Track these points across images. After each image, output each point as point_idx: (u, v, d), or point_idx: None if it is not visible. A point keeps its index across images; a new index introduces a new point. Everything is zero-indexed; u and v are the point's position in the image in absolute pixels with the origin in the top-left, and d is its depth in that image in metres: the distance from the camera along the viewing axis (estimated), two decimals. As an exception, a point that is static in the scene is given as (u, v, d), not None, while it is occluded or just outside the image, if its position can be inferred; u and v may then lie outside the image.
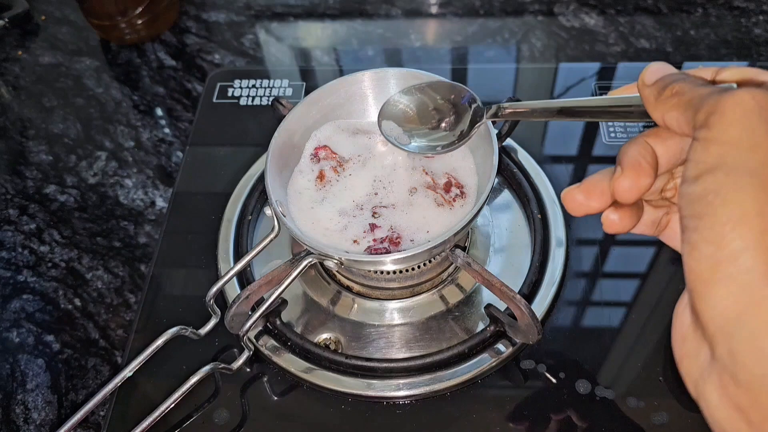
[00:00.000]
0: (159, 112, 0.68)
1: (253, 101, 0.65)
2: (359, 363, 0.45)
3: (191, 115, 0.67)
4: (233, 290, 0.50)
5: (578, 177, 0.56)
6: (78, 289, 0.54)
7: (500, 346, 0.46)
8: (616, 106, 0.31)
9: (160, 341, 0.42)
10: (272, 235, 0.44)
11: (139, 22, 0.72)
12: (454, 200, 0.45)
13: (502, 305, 0.46)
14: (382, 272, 0.48)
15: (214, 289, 0.43)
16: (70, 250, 0.57)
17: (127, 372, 0.42)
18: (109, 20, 0.71)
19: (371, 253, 0.42)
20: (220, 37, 0.75)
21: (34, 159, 0.64)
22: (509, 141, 0.57)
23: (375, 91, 0.49)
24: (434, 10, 0.77)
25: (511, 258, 0.51)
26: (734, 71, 0.28)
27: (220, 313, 0.45)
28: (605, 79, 0.64)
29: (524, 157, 0.56)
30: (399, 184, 0.46)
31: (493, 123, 0.43)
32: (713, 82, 0.28)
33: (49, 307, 0.53)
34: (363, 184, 0.46)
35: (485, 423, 0.43)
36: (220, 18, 0.77)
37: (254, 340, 0.47)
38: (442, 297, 0.49)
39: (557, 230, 0.51)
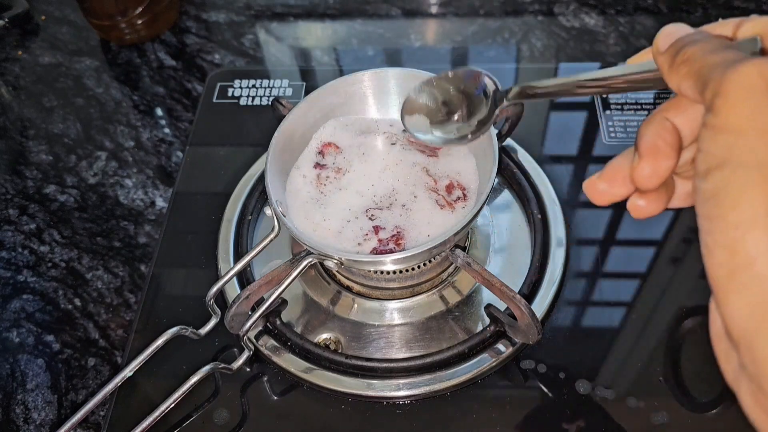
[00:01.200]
0: (159, 112, 0.68)
1: (253, 101, 0.65)
2: (359, 363, 0.45)
3: (191, 115, 0.67)
4: (233, 290, 0.50)
5: (578, 177, 0.56)
6: (78, 289, 0.54)
7: (500, 346, 0.46)
8: (633, 74, 0.28)
9: (160, 341, 0.42)
10: (272, 235, 0.44)
11: (139, 22, 0.72)
12: (456, 202, 0.45)
13: (502, 305, 0.46)
14: (382, 272, 0.48)
15: (214, 289, 0.43)
16: (70, 250, 0.57)
17: (127, 372, 0.42)
18: (109, 20, 0.71)
19: (377, 254, 0.42)
20: (220, 37, 0.75)
21: (34, 159, 0.64)
22: (509, 141, 0.57)
23: (375, 90, 0.49)
24: (434, 10, 0.76)
25: (511, 258, 0.51)
26: (757, 23, 0.25)
27: (220, 313, 0.45)
28: (605, 79, 0.64)
29: (524, 157, 0.56)
30: (401, 185, 0.46)
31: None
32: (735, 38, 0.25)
33: (49, 307, 0.53)
34: (364, 184, 0.46)
35: (485, 423, 0.43)
36: (220, 18, 0.77)
37: (254, 340, 0.47)
38: (442, 297, 0.49)
39: (557, 230, 0.51)
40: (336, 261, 0.41)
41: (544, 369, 0.46)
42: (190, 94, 0.69)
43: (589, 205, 0.55)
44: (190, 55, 0.73)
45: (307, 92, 0.64)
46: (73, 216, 0.59)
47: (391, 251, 0.42)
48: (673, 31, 0.26)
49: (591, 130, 0.60)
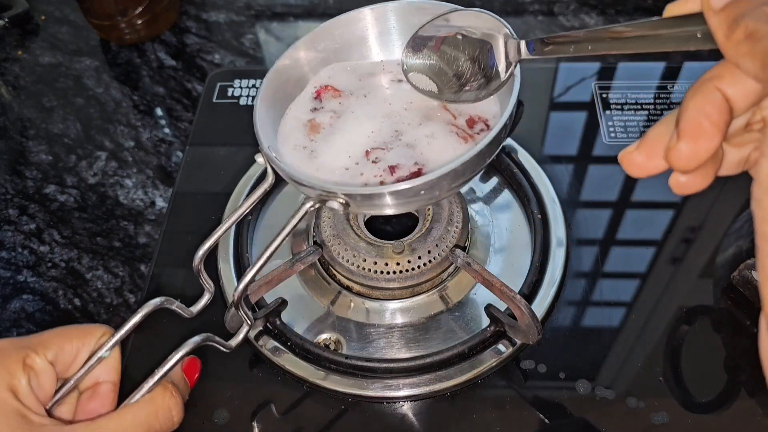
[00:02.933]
0: (159, 112, 0.68)
1: (253, 101, 0.65)
2: (359, 363, 0.45)
3: (191, 115, 0.67)
4: (233, 290, 0.50)
5: (578, 177, 0.56)
6: (78, 289, 0.54)
7: (500, 346, 0.46)
8: (674, 30, 0.23)
9: (137, 317, 0.39)
10: (266, 185, 0.41)
11: (139, 22, 0.72)
12: (479, 134, 0.41)
13: (502, 305, 0.46)
14: (383, 272, 0.48)
15: (201, 251, 0.39)
16: (70, 250, 0.57)
17: (102, 352, 0.39)
18: (109, 20, 0.71)
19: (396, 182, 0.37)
20: (220, 37, 0.75)
21: (34, 159, 0.64)
22: (509, 141, 0.57)
23: (375, 31, 0.46)
24: (434, 10, 0.76)
25: (511, 258, 0.51)
26: None
27: (213, 288, 0.42)
28: (605, 79, 0.64)
29: (524, 157, 0.56)
30: (413, 127, 0.42)
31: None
32: None
33: (49, 307, 0.53)
34: (373, 124, 0.43)
35: (485, 423, 0.43)
36: (220, 18, 0.77)
37: (254, 341, 0.47)
38: (442, 297, 0.49)
39: (557, 230, 0.51)
40: (342, 201, 0.36)
41: (544, 369, 0.46)
42: (190, 94, 0.69)
43: (589, 205, 0.55)
44: (190, 55, 0.73)
45: (307, 92, 0.64)
46: (73, 216, 0.59)
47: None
48: None
49: (591, 130, 0.60)
